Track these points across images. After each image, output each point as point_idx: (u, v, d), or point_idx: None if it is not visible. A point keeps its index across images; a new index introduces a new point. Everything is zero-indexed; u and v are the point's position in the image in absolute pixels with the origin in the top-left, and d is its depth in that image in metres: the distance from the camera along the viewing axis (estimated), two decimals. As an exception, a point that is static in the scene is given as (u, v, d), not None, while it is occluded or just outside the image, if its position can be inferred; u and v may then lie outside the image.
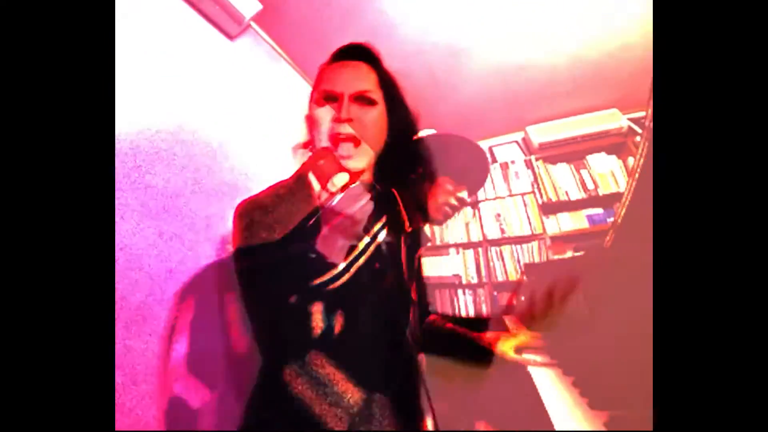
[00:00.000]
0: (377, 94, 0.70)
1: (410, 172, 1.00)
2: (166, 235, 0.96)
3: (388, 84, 0.73)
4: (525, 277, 2.16)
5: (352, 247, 0.63)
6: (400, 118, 0.74)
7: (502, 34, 1.75)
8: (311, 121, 0.70)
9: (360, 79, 0.70)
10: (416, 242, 0.84)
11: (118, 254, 0.81)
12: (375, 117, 0.69)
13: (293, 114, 1.55)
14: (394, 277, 0.70)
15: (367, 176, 0.72)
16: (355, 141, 0.66)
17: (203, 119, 1.24)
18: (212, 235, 1.13)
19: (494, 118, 2.46)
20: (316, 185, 0.63)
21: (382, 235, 0.68)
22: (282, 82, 1.74)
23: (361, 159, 0.67)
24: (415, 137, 0.76)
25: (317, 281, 0.60)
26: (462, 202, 1.06)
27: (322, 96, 0.69)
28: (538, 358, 0.77)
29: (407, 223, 0.78)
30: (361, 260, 0.63)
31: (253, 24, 1.57)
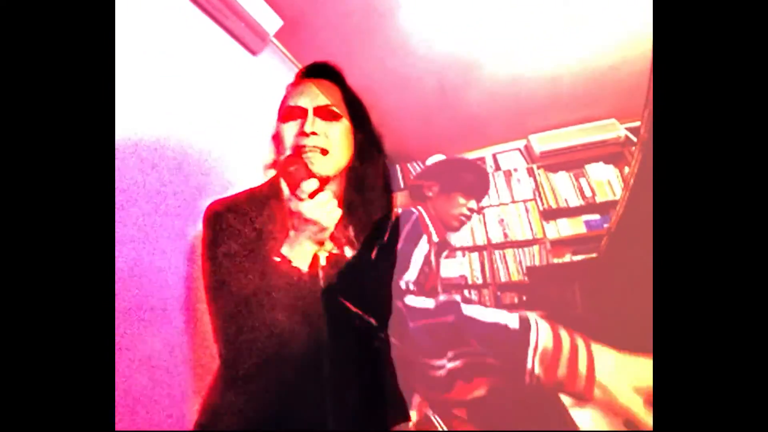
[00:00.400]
0: (341, 109, 0.70)
1: (427, 190, 1.16)
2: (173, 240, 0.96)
3: (352, 100, 0.73)
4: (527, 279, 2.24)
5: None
6: (366, 135, 0.74)
7: (508, 49, 1.82)
8: (277, 139, 0.70)
9: (324, 94, 0.69)
10: (441, 248, 0.97)
11: (117, 253, 0.80)
12: (340, 131, 0.69)
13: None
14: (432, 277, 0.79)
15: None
16: (322, 151, 0.66)
17: (230, 133, 1.28)
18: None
19: (498, 125, 2.53)
20: (286, 191, 0.63)
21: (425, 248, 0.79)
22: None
23: (327, 165, 0.66)
24: (381, 155, 0.76)
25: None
26: (472, 211, 1.21)
27: (287, 112, 0.69)
28: None
29: (434, 235, 0.90)
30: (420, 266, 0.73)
31: (274, 40, 1.61)
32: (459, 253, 2.58)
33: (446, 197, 1.19)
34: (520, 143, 2.71)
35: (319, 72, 0.75)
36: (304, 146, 0.64)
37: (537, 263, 2.38)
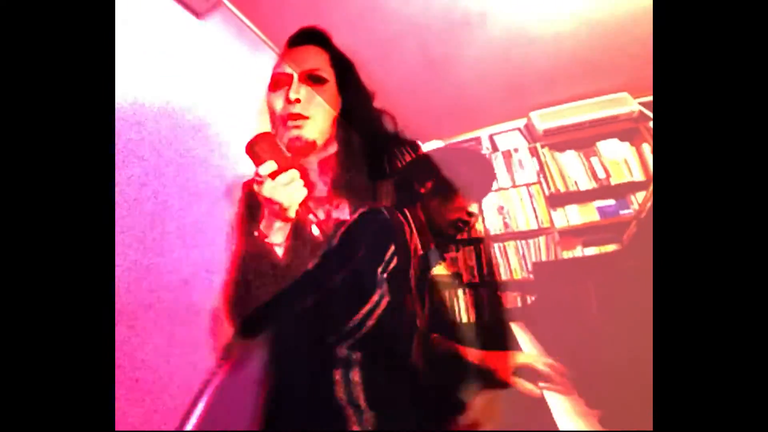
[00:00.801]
0: (328, 72, 0.75)
1: (419, 186, 0.99)
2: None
3: (340, 62, 0.78)
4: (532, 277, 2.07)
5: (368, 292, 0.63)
6: (353, 94, 0.78)
7: (504, 7, 1.62)
8: (270, 109, 0.75)
9: (309, 59, 0.74)
10: (428, 265, 0.87)
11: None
12: (325, 95, 0.73)
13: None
14: (402, 309, 0.70)
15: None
16: (306, 118, 0.71)
17: (175, 101, 1.13)
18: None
19: (494, 103, 2.35)
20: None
21: (392, 266, 0.68)
22: (258, 64, 1.60)
23: (311, 129, 0.71)
24: (371, 113, 0.80)
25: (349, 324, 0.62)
26: (472, 217, 1.02)
27: (275, 80, 0.74)
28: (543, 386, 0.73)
29: (419, 247, 0.79)
30: (382, 305, 0.63)
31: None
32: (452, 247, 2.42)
33: (443, 198, 0.99)
34: (521, 122, 2.53)
35: (305, 38, 0.79)
36: (291, 114, 0.70)
37: (543, 257, 2.23)
